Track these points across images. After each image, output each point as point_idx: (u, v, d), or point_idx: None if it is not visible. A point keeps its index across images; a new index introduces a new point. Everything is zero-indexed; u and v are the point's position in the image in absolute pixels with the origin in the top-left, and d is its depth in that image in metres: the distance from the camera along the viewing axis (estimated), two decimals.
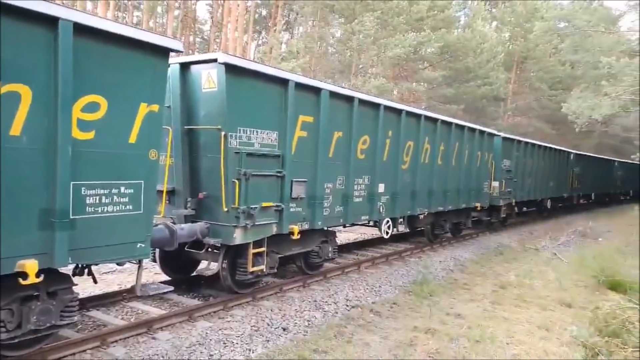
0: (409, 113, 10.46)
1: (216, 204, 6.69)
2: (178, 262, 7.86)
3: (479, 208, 14.74)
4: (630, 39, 19.57)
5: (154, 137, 5.43)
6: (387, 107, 9.66)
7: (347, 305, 8.14)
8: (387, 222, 10.19)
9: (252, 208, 6.74)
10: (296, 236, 7.53)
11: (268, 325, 6.80)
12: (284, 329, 6.77)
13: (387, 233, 10.26)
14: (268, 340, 6.38)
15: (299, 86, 7.45)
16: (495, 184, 16.24)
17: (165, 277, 8.12)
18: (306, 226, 7.87)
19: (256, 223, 6.85)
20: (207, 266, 7.01)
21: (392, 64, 22.87)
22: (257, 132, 6.89)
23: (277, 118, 7.21)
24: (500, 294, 9.99)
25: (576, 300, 10.17)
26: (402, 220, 10.75)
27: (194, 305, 6.96)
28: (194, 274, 7.89)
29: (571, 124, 26.46)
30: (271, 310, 7.30)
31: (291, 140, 7.39)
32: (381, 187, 9.69)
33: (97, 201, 4.91)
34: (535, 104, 35.50)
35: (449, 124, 12.37)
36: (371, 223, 10.37)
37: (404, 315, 8.20)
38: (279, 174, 7.22)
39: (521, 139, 18.61)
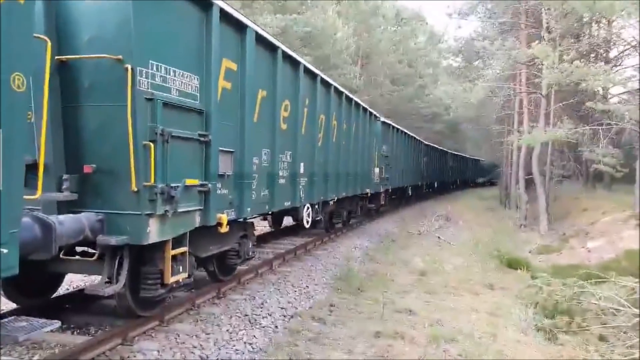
0: (323, 81, 8.88)
1: (116, 182, 4.23)
2: (33, 277, 5.03)
3: (369, 195, 13.86)
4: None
5: (15, 51, 2.94)
6: (306, 69, 7.93)
7: (285, 316, 6.27)
8: (307, 208, 8.44)
9: (173, 187, 4.44)
10: (224, 229, 5.38)
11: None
12: None
13: (308, 222, 8.50)
14: None
15: (224, 17, 5.31)
16: (377, 170, 15.55)
17: (8, 305, 5.22)
18: (233, 215, 5.74)
19: (178, 210, 4.56)
20: (101, 281, 4.42)
21: None
22: (174, 72, 4.60)
23: (199, 57, 4.99)
24: (426, 283, 9.10)
25: (494, 282, 9.81)
26: (317, 206, 9.09)
27: (76, 344, 4.35)
28: (87, 291, 4.72)
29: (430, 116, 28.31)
30: (195, 336, 5.06)
31: (215, 91, 5.21)
32: (302, 167, 7.93)
33: None
34: (380, 99, 36.93)
35: (350, 99, 11.12)
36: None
37: (350, 319, 6.65)
38: (202, 138, 4.99)
39: (394, 124, 18.44)
